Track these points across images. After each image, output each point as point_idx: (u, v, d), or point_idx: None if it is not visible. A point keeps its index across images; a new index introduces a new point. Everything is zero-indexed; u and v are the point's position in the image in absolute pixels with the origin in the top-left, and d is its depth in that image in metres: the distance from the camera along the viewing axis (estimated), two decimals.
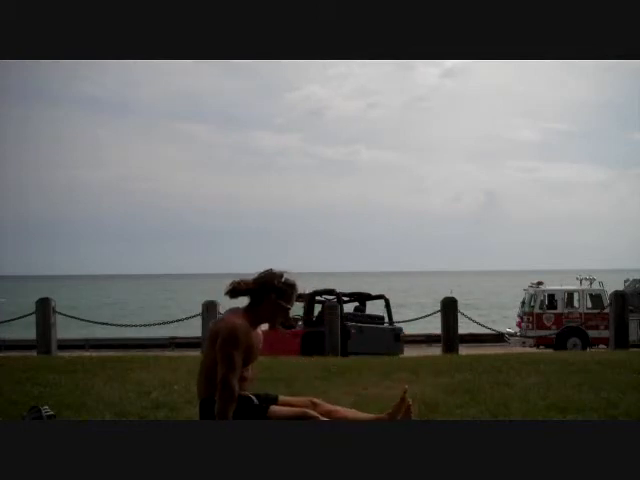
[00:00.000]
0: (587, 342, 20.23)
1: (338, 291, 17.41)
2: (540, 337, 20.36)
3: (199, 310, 13.49)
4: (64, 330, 17.97)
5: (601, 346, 19.27)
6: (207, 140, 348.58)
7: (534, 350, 19.14)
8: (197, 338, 15.36)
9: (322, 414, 4.00)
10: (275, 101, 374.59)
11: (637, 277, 23.24)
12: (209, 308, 13.39)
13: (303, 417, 3.91)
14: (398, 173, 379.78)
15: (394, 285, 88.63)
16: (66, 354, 12.19)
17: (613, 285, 20.69)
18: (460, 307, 13.56)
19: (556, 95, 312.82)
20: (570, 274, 24.19)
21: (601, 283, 21.98)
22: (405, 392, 4.09)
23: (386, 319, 17.55)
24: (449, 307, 13.28)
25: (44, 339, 12.56)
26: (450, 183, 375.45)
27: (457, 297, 13.89)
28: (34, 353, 12.51)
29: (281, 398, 4.17)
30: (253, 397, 4.03)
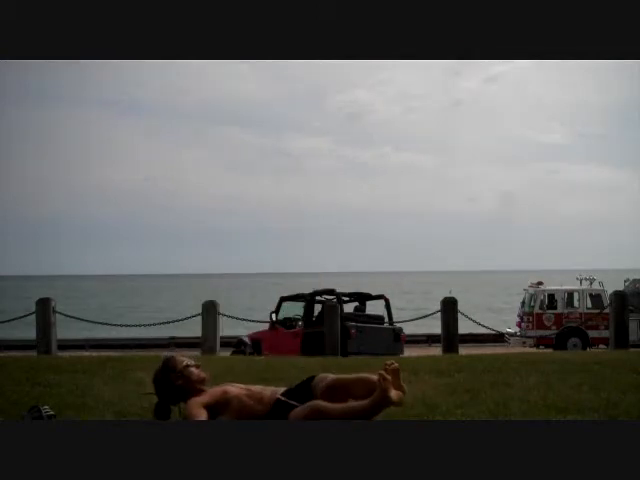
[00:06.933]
0: (587, 342, 20.24)
1: (338, 291, 17.42)
2: (540, 337, 20.37)
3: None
4: (64, 330, 17.99)
5: (601, 346, 19.28)
6: (242, 142, 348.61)
7: (534, 350, 19.14)
8: (197, 338, 15.37)
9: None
10: (314, 105, 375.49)
11: (637, 277, 23.24)
12: (209, 308, 13.41)
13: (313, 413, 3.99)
14: (423, 175, 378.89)
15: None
16: (66, 354, 12.19)
17: (613, 285, 20.69)
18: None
19: (590, 99, 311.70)
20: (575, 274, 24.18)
21: (601, 283, 21.99)
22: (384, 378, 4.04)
23: (386, 319, 17.55)
24: (449, 307, 13.28)
25: (44, 339, 12.57)
26: (475, 185, 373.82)
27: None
28: (34, 353, 12.52)
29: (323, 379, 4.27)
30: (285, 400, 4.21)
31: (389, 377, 3.96)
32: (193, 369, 4.40)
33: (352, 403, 4.06)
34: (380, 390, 3.94)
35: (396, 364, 4.06)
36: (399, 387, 4.04)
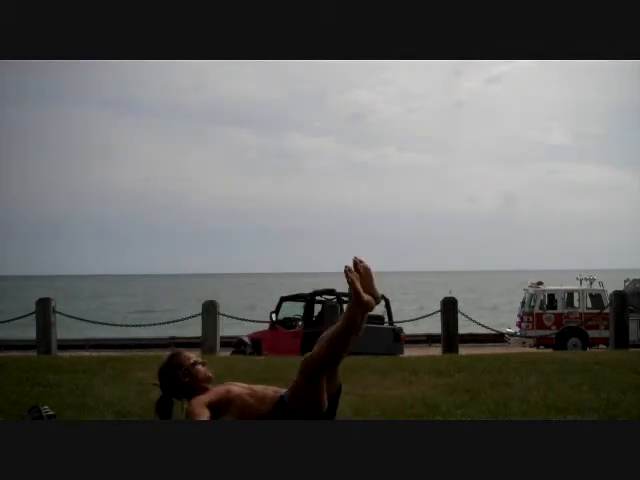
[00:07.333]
0: (587, 342, 20.23)
1: (338, 291, 17.42)
2: (540, 337, 20.37)
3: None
4: (64, 330, 17.99)
5: (601, 346, 19.28)
6: (242, 142, 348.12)
7: (534, 350, 19.14)
8: (197, 338, 15.38)
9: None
10: (315, 105, 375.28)
11: (637, 277, 23.24)
12: (209, 308, 13.41)
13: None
14: (424, 175, 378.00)
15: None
16: (66, 354, 12.20)
17: (613, 285, 20.69)
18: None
19: (590, 99, 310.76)
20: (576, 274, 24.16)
21: (601, 283, 21.98)
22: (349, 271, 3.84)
23: (386, 319, 17.55)
24: (449, 307, 13.29)
25: (44, 339, 12.57)
26: (475, 185, 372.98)
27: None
28: (34, 353, 12.52)
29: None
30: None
31: (355, 273, 3.79)
32: (200, 367, 4.38)
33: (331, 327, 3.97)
34: (351, 291, 3.76)
35: (367, 264, 3.84)
36: (370, 289, 3.83)
